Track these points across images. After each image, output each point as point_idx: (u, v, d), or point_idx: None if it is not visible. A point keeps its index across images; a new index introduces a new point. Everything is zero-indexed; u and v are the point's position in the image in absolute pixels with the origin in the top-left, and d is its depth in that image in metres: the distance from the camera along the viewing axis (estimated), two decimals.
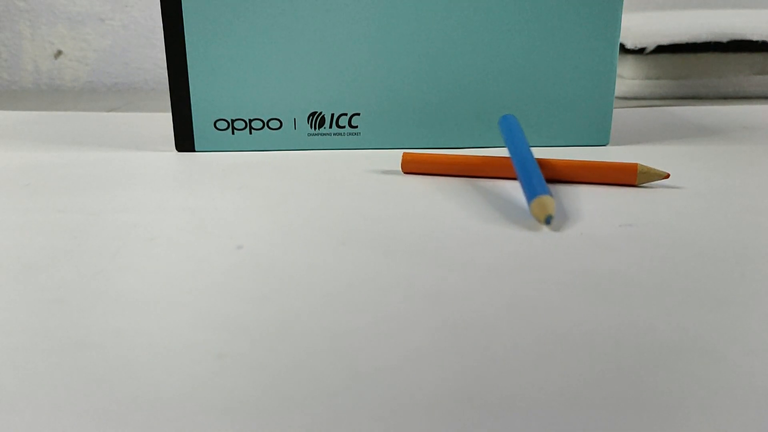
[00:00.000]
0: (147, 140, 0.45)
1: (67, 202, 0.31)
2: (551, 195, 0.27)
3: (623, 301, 0.20)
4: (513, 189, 0.32)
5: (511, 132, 0.34)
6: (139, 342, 0.18)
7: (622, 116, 0.52)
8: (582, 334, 0.18)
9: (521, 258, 0.24)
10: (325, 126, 0.41)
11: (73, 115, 0.56)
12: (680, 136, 0.44)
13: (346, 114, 0.41)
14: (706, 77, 0.63)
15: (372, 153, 0.40)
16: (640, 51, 0.63)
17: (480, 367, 0.17)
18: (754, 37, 0.61)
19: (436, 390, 0.16)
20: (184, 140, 0.41)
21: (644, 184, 0.32)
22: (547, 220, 0.26)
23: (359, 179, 0.34)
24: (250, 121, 0.41)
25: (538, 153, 0.40)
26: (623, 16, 0.67)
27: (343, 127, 0.41)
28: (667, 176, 0.32)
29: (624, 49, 0.64)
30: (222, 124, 0.41)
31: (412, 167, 0.35)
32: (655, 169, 0.32)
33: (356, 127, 0.41)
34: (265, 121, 0.41)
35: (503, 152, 0.40)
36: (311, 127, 0.41)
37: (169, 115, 0.56)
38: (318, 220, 0.28)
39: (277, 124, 0.41)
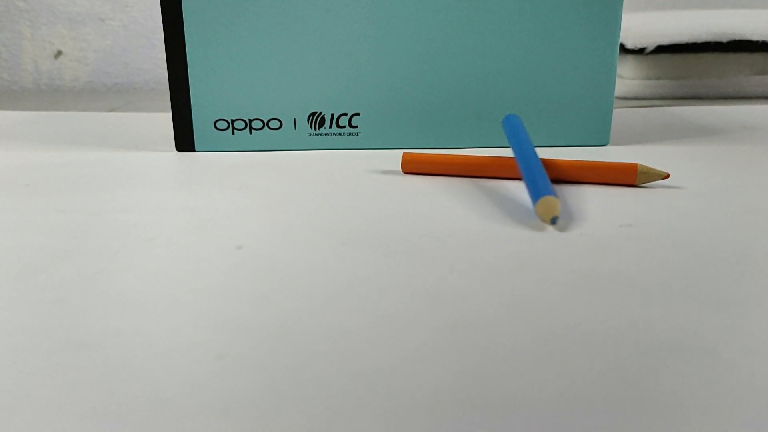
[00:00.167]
0: (147, 140, 0.45)
1: (67, 202, 0.31)
2: (556, 196, 0.27)
3: (623, 301, 0.20)
4: (513, 189, 0.32)
5: (515, 132, 0.34)
6: (139, 342, 0.18)
7: (622, 116, 0.52)
8: (582, 334, 0.18)
9: (521, 258, 0.24)
10: (325, 126, 0.41)
11: (73, 115, 0.56)
12: (680, 136, 0.44)
13: (346, 114, 0.41)
14: (706, 77, 0.63)
15: (372, 153, 0.40)
16: (640, 51, 0.63)
17: (480, 367, 0.17)
18: (754, 37, 0.61)
19: (436, 390, 0.16)
20: (184, 140, 0.41)
21: (644, 184, 0.32)
22: (553, 221, 0.26)
23: (359, 179, 0.34)
24: (250, 121, 0.41)
25: (538, 153, 0.39)
26: (623, 16, 0.67)
27: (343, 127, 0.41)
28: (667, 176, 0.32)
29: (624, 49, 0.64)
30: (222, 124, 0.41)
31: (412, 167, 0.35)
32: (655, 169, 0.32)
33: (356, 127, 0.41)
34: (265, 121, 0.41)
35: (503, 152, 0.40)
36: (311, 127, 0.41)
37: (169, 115, 0.56)
38: (318, 220, 0.28)
39: (277, 124, 0.41)
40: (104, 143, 0.44)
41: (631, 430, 0.14)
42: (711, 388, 0.16)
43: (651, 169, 0.32)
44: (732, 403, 0.15)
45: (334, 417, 0.15)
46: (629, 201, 0.30)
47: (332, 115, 0.41)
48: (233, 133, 0.41)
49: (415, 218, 0.28)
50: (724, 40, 0.61)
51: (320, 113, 0.41)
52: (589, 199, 0.31)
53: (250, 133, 0.41)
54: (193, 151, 0.41)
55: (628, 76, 0.64)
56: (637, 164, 0.32)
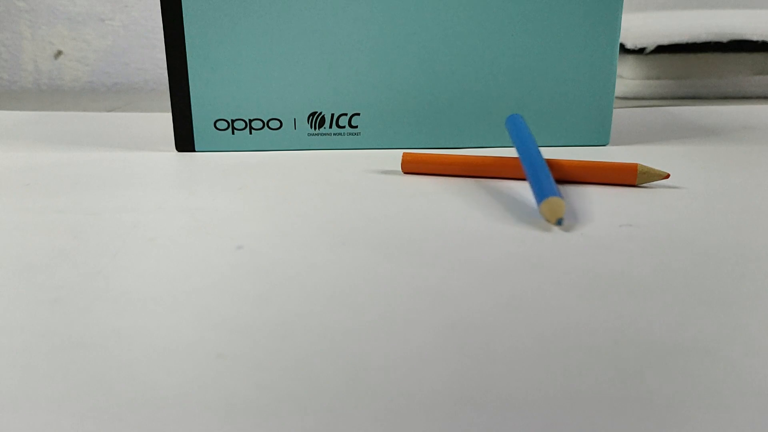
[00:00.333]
0: (147, 140, 0.45)
1: (67, 202, 0.31)
2: (561, 197, 0.27)
3: (623, 301, 0.20)
4: (513, 189, 0.32)
5: (519, 131, 0.34)
6: (139, 342, 0.18)
7: (622, 116, 0.52)
8: (582, 334, 0.18)
9: (521, 258, 0.24)
10: (325, 126, 0.41)
11: (73, 115, 0.56)
12: (680, 136, 0.44)
13: (346, 114, 0.41)
14: (706, 77, 0.63)
15: (372, 153, 0.40)
16: (640, 51, 0.63)
17: (480, 367, 0.17)
18: (754, 37, 0.61)
19: (436, 389, 0.16)
20: (184, 140, 0.41)
21: (644, 184, 0.32)
22: (559, 222, 0.26)
23: (359, 179, 0.34)
24: (250, 121, 0.41)
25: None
26: (623, 16, 0.67)
27: (343, 127, 0.41)
28: (667, 176, 0.32)
29: (624, 49, 0.64)
30: (222, 124, 0.41)
31: (412, 167, 0.35)
32: (655, 169, 0.32)
33: (356, 127, 0.41)
34: (265, 121, 0.41)
35: (504, 152, 0.40)
36: (311, 127, 0.41)
37: (169, 115, 0.56)
38: (318, 220, 0.28)
39: (277, 124, 0.41)
40: (104, 143, 0.44)
41: (631, 430, 0.14)
42: (711, 388, 0.16)
43: (651, 169, 0.32)
44: (732, 403, 0.15)
45: (334, 417, 0.15)
46: (629, 201, 0.30)
47: (332, 115, 0.41)
48: (233, 133, 0.41)
49: (415, 218, 0.28)
50: (724, 40, 0.61)
51: (320, 113, 0.41)
52: (589, 199, 0.31)
53: (250, 133, 0.41)
54: (193, 151, 0.41)
55: (628, 76, 0.64)
56: (637, 164, 0.32)
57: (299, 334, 0.18)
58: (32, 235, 0.26)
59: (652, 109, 0.56)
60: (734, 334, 0.18)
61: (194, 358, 0.17)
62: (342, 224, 0.27)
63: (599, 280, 0.22)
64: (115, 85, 0.80)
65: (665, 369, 0.16)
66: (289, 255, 0.24)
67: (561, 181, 0.33)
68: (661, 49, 0.62)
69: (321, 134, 0.41)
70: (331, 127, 0.41)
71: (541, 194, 0.27)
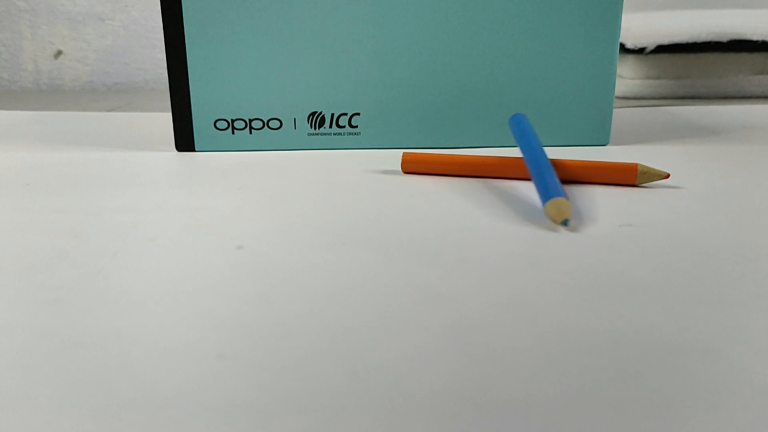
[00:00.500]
0: (147, 140, 0.45)
1: (67, 202, 0.31)
2: (567, 197, 0.27)
3: (623, 301, 0.20)
4: (513, 189, 0.32)
5: (523, 131, 0.34)
6: (139, 342, 0.18)
7: (622, 116, 0.52)
8: (582, 334, 0.18)
9: (520, 257, 0.24)
10: (325, 126, 0.41)
11: (73, 115, 0.56)
12: (680, 136, 0.44)
13: (346, 114, 0.41)
14: (706, 77, 0.63)
15: (372, 153, 0.40)
16: (640, 51, 0.63)
17: (480, 367, 0.17)
18: (754, 37, 0.61)
19: (436, 389, 0.16)
20: (184, 140, 0.41)
21: (644, 184, 0.32)
22: (564, 223, 0.26)
23: (359, 179, 0.34)
24: (250, 121, 0.41)
25: None
26: (623, 16, 0.67)
27: (343, 126, 0.41)
28: (667, 176, 0.32)
29: (624, 49, 0.64)
30: (222, 124, 0.41)
31: (412, 167, 0.35)
32: (655, 169, 0.32)
33: (356, 126, 0.41)
34: (265, 121, 0.41)
35: (504, 152, 0.40)
36: (311, 126, 0.41)
37: (169, 115, 0.56)
38: (318, 220, 0.28)
39: (277, 124, 0.41)
40: (104, 143, 0.44)
41: (631, 430, 0.14)
42: (711, 388, 0.16)
43: (651, 169, 0.32)
44: (732, 403, 0.15)
45: (334, 417, 0.15)
46: (629, 201, 0.30)
47: (332, 114, 0.41)
48: (233, 132, 0.41)
49: (415, 218, 0.28)
50: (724, 39, 0.61)
51: (320, 113, 0.41)
52: (589, 199, 0.31)
53: (250, 132, 0.41)
54: (193, 150, 0.41)
55: (628, 76, 0.64)
56: (637, 164, 0.32)
57: (299, 334, 0.18)
58: (32, 235, 0.26)
59: (652, 109, 0.56)
60: (734, 334, 0.18)
61: (194, 358, 0.17)
62: (342, 224, 0.27)
63: (599, 280, 0.22)
64: (115, 85, 0.80)
65: (665, 369, 0.16)
66: (289, 255, 0.24)
67: (561, 180, 0.33)
68: (661, 49, 0.62)
69: (321, 134, 0.41)
70: (331, 126, 0.41)
71: (546, 194, 0.27)
